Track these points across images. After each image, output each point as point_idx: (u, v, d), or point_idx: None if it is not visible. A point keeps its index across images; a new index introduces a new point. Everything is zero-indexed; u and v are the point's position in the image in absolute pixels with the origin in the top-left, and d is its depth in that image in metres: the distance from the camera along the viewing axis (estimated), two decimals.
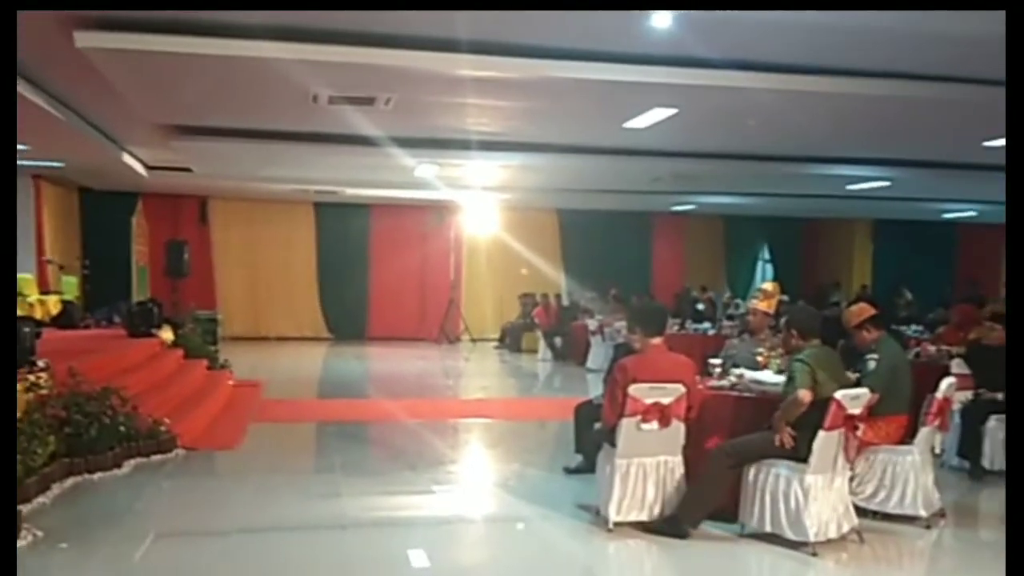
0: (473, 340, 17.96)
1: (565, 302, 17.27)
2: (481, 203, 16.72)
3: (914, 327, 11.77)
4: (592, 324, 14.01)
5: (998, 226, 20.54)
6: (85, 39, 5.81)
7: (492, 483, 6.62)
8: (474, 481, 6.75)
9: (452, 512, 5.72)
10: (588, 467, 5.75)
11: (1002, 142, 9.35)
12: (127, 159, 11.60)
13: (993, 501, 6.29)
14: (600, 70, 6.50)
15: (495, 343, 17.54)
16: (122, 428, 6.45)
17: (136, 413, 6.73)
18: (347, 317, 18.04)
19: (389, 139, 9.63)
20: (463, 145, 9.96)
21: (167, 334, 10.31)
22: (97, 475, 6.08)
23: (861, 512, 5.12)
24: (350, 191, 15.33)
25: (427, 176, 12.58)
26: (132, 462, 6.47)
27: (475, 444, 8.34)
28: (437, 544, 4.99)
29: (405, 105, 7.95)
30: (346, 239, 17.96)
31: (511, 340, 16.88)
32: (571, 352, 14.84)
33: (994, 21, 5.26)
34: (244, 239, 17.58)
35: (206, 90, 7.43)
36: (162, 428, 6.92)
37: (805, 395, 4.73)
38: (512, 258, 17.98)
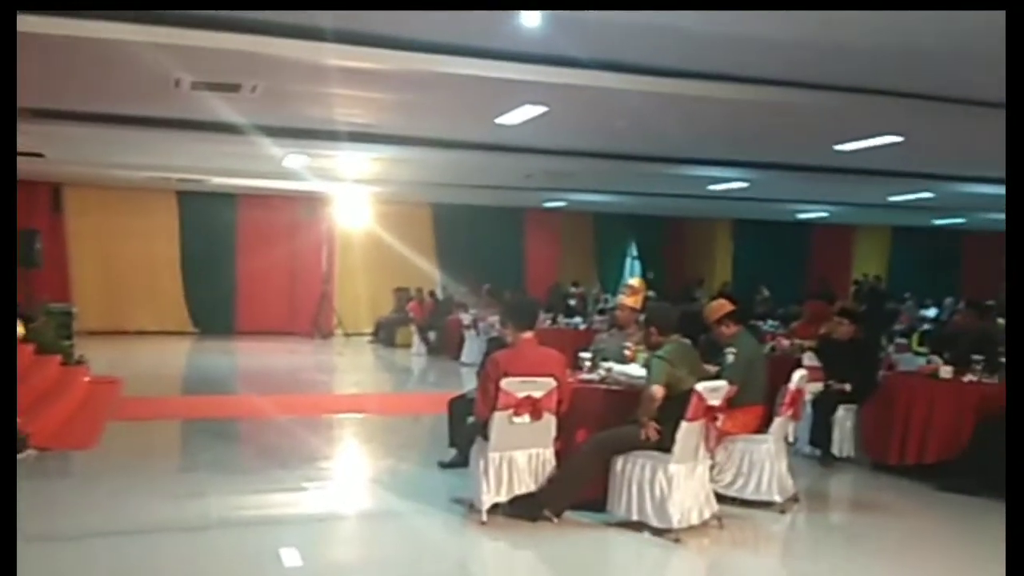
0: (346, 334, 17.74)
1: (439, 297, 17.28)
2: (353, 196, 16.52)
3: (770, 322, 12.40)
4: (466, 319, 14.08)
5: (847, 227, 21.92)
6: None
7: (366, 479, 6.58)
8: (347, 477, 6.70)
9: (325, 509, 5.66)
10: (462, 461, 5.79)
11: (851, 145, 9.99)
12: None
13: (842, 486, 6.73)
14: (470, 65, 6.51)
15: (369, 337, 17.36)
16: None
17: None
18: (213, 311, 17.46)
19: (255, 128, 9.41)
20: (332, 136, 9.83)
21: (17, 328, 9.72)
22: None
23: (721, 499, 5.35)
24: (216, 180, 14.84)
25: (296, 167, 12.34)
26: None
27: (348, 440, 8.27)
28: (309, 542, 4.92)
29: (272, 93, 7.79)
30: (212, 230, 17.36)
31: (385, 334, 16.75)
32: (445, 347, 14.87)
33: (847, 30, 5.64)
34: (101, 228, 16.74)
35: (52, 72, 7.04)
36: None
37: (657, 390, 4.94)
38: (386, 252, 17.84)
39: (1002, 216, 18.10)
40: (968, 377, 6.43)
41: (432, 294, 17.09)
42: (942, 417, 6.27)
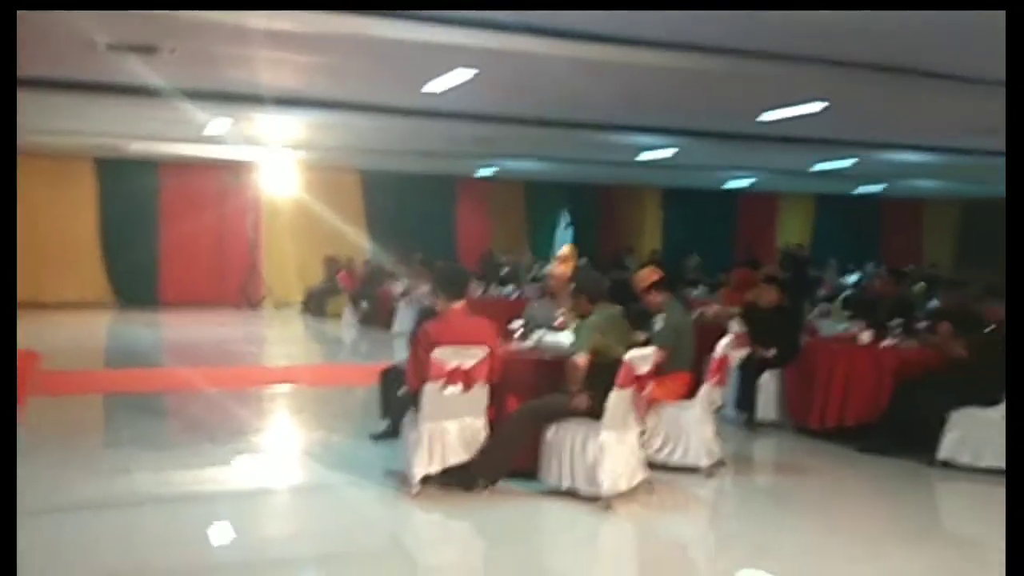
0: (276, 305, 17.47)
1: (370, 266, 17.11)
2: (280, 162, 16.17)
3: (699, 289, 12.62)
4: (398, 288, 13.99)
5: (773, 195, 22.39)
6: None
7: (297, 452, 6.52)
8: (278, 450, 6.62)
9: (255, 483, 5.59)
10: (394, 432, 5.78)
11: (776, 114, 10.15)
12: None
13: (766, 450, 6.92)
14: (398, 28, 6.35)
15: (299, 308, 17.13)
16: None
17: None
18: (135, 281, 16.96)
19: (176, 91, 9.11)
20: (257, 100, 9.55)
21: None
22: None
23: (651, 465, 5.47)
24: (135, 146, 14.35)
25: (220, 132, 12.02)
26: None
27: (279, 412, 8.17)
28: (240, 517, 4.87)
29: (192, 55, 7.55)
30: (132, 198, 16.80)
31: (315, 305, 16.54)
32: (377, 317, 14.76)
33: None
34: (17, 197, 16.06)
35: None
36: None
37: (581, 359, 5.01)
38: (315, 220, 17.56)
39: (921, 183, 18.74)
40: (886, 341, 6.65)
41: (366, 264, 16.92)
42: (861, 381, 6.48)
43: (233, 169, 16.87)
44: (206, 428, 6.83)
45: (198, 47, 7.26)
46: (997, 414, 5.81)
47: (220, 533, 4.55)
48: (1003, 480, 5.65)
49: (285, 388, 9.05)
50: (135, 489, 5.26)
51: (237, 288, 17.23)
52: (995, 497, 5.60)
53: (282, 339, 14.01)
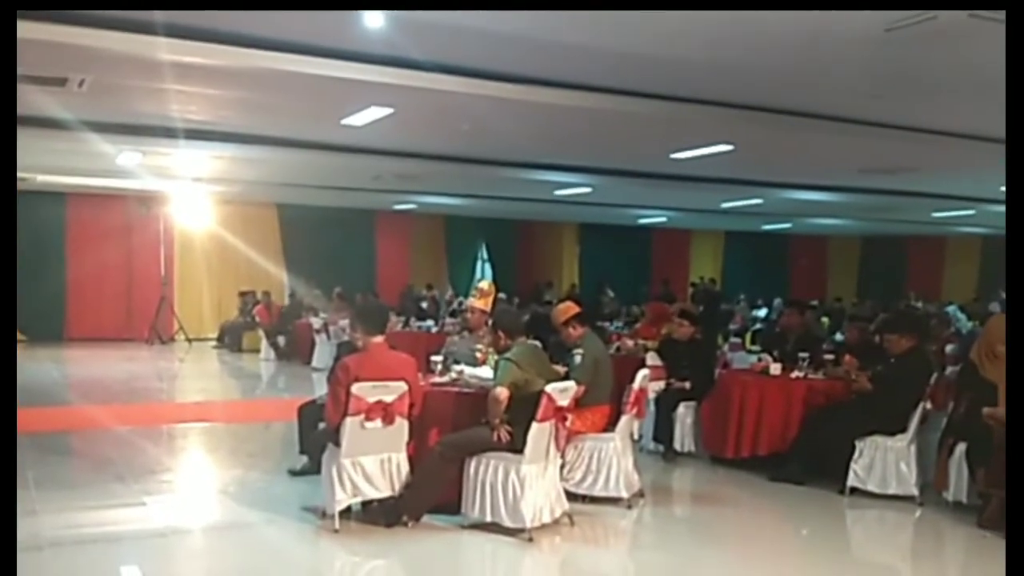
0: (189, 340, 17.04)
1: (287, 300, 16.88)
2: (193, 195, 15.86)
3: (615, 323, 12.84)
4: (316, 322, 13.83)
5: (684, 231, 23.01)
6: None
7: (212, 490, 6.35)
8: (192, 489, 6.43)
9: (167, 524, 5.41)
10: (313, 468, 5.70)
11: (687, 153, 10.50)
12: None
13: (684, 480, 7.05)
14: (313, 64, 6.37)
15: (214, 343, 16.74)
16: None
17: None
18: (41, 316, 16.25)
19: (85, 124, 8.91)
20: (169, 133, 9.41)
21: None
22: None
23: (571, 497, 5.52)
24: (41, 178, 13.91)
25: (130, 164, 11.76)
26: None
27: (193, 450, 7.95)
28: (151, 559, 4.73)
29: (102, 88, 7.42)
30: (37, 230, 16.22)
31: (231, 339, 16.20)
32: (295, 351, 14.55)
33: (684, 42, 5.93)
34: None
35: None
36: None
37: (502, 392, 5.04)
38: (230, 254, 17.25)
39: (824, 221, 19.53)
40: (795, 373, 6.89)
41: (291, 297, 16.69)
42: (772, 412, 6.69)
43: (145, 201, 16.48)
44: (115, 467, 6.61)
45: (108, 79, 7.15)
46: (902, 443, 6.09)
47: None
48: (909, 507, 5.94)
49: (199, 425, 8.82)
50: (40, 532, 5.05)
51: (148, 323, 16.76)
52: (902, 523, 5.87)
53: (196, 375, 13.66)
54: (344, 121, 8.73)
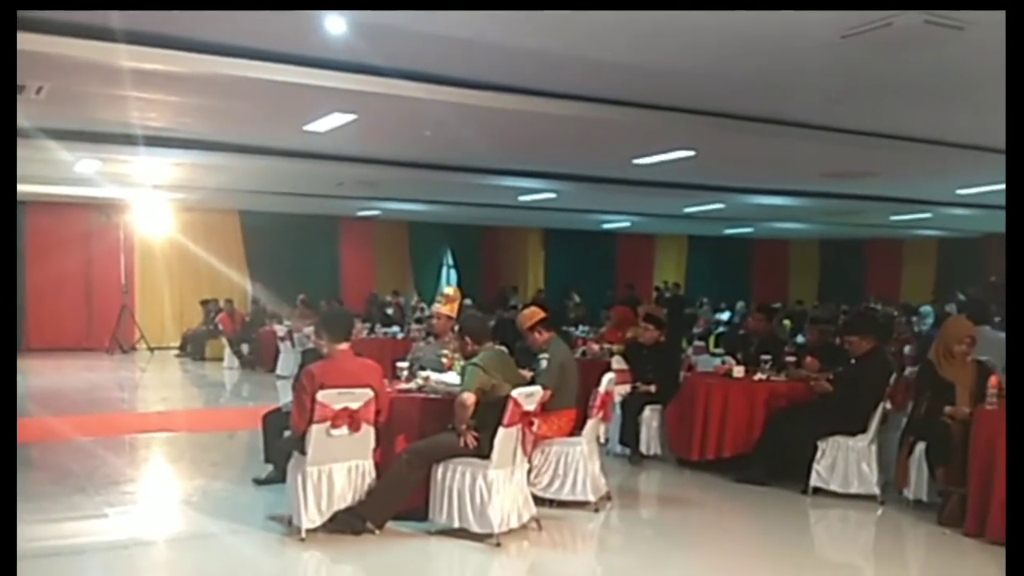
0: (151, 349, 16.81)
1: (251, 307, 16.73)
2: (153, 202, 15.66)
3: (581, 328, 12.88)
4: (281, 330, 13.72)
5: (648, 236, 23.18)
6: None
7: (175, 500, 6.26)
8: (155, 500, 6.35)
9: (129, 535, 5.32)
10: (279, 477, 5.66)
11: (649, 159, 10.58)
12: None
13: (650, 483, 7.10)
14: (275, 71, 6.35)
15: (176, 352, 16.54)
16: None
17: None
18: None
19: (42, 131, 8.78)
20: (129, 140, 9.31)
21: None
22: None
23: (539, 501, 5.53)
24: None
25: (89, 172, 11.60)
26: None
27: (155, 460, 7.85)
28: (114, 571, 4.68)
29: (60, 95, 7.33)
30: None
31: (194, 348, 16.01)
32: (260, 359, 14.42)
33: (646, 49, 5.99)
34: None
35: None
36: None
37: (468, 398, 5.04)
38: (192, 261, 17.06)
39: (785, 225, 19.77)
40: (758, 376, 6.97)
41: (255, 304, 16.55)
42: (736, 414, 6.76)
43: (105, 209, 16.25)
44: (76, 479, 6.51)
45: (66, 86, 7.06)
46: (863, 443, 6.19)
47: None
48: (871, 505, 6.03)
49: (162, 435, 8.70)
50: None
51: (109, 332, 16.52)
52: (864, 522, 5.96)
53: (158, 384, 13.47)
54: (306, 127, 8.70)
